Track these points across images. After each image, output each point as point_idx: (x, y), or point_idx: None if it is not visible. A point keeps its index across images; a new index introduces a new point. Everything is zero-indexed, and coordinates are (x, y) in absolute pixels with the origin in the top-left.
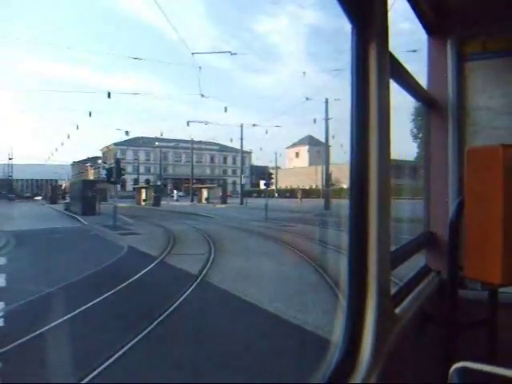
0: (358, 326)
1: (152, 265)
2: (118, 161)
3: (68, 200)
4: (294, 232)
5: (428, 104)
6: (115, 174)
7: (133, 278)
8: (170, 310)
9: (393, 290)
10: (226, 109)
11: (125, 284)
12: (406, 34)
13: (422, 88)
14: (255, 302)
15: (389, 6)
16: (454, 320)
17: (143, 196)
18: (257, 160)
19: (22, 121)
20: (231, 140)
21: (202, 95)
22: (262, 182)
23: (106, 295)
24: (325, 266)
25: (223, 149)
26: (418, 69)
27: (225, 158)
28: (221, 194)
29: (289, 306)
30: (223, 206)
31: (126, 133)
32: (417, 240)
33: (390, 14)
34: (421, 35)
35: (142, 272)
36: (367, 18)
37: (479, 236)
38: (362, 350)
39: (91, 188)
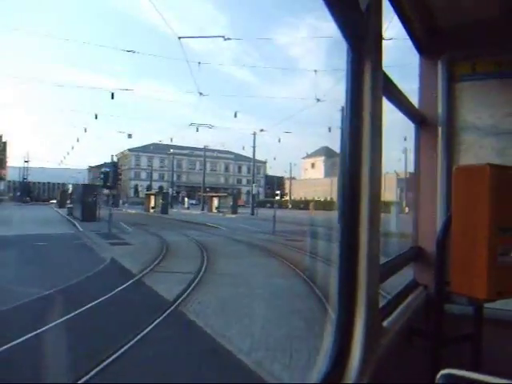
0: (346, 338)
1: (124, 285)
2: (115, 165)
3: (71, 205)
4: (299, 248)
5: (418, 122)
6: (111, 178)
7: (87, 306)
8: (122, 350)
9: (381, 303)
10: (235, 114)
11: (73, 314)
12: (399, 53)
13: (413, 106)
14: (232, 347)
15: (383, 26)
16: (439, 334)
17: (152, 203)
18: (270, 169)
19: (36, 125)
20: (243, 148)
21: (201, 93)
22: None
23: (37, 331)
24: (327, 288)
25: (238, 158)
26: (410, 87)
27: (239, 167)
28: (231, 203)
29: (274, 357)
30: (233, 215)
31: (129, 136)
32: (405, 254)
33: (384, 34)
34: (413, 56)
35: (104, 297)
36: (362, 37)
37: (466, 252)
38: (349, 362)
39: (92, 193)
